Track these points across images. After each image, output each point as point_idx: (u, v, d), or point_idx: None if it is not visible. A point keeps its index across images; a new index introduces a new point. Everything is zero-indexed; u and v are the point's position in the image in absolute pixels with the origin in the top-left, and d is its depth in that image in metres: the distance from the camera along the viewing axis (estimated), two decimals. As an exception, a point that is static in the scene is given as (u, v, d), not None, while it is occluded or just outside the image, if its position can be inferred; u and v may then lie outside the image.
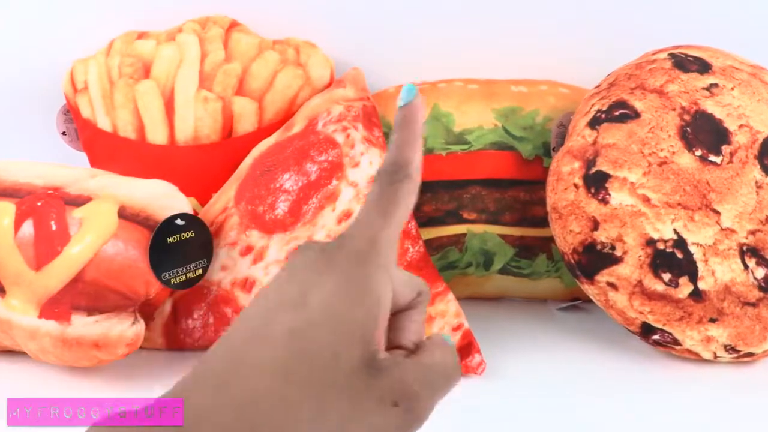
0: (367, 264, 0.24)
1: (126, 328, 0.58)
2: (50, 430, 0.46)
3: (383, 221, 0.25)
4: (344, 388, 0.22)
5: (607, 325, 0.74)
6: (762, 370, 0.65)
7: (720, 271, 0.61)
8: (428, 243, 0.74)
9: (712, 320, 0.61)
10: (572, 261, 0.64)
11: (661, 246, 0.61)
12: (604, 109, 0.65)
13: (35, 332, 0.57)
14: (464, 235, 0.74)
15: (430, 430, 0.52)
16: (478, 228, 0.74)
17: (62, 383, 0.58)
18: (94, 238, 0.58)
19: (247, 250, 0.65)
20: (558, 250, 0.69)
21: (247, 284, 0.64)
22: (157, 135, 0.73)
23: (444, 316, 0.62)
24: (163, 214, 0.60)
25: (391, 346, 0.26)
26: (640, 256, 0.61)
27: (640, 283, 0.61)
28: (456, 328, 0.61)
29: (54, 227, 0.58)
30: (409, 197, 0.27)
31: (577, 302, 0.78)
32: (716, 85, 0.65)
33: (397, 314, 0.27)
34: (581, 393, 0.59)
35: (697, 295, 0.61)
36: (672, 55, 0.68)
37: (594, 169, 0.63)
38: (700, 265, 0.61)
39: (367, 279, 0.23)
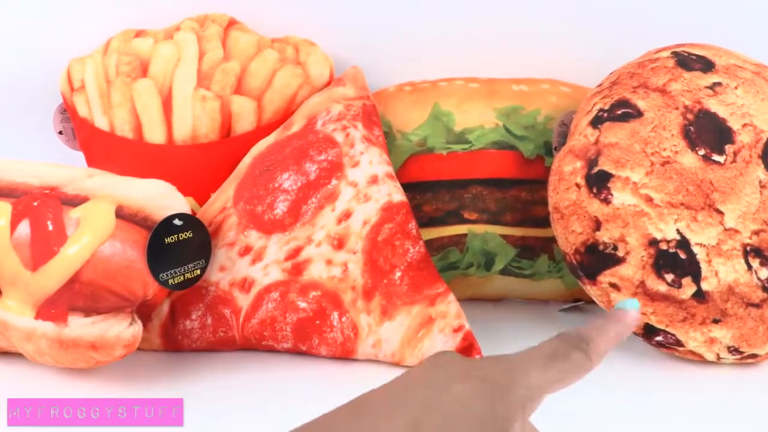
0: (501, 390, 0.24)
1: (123, 329, 0.58)
2: (50, 430, 0.45)
3: (540, 374, 0.26)
4: None
5: (608, 325, 0.74)
6: (766, 372, 0.64)
7: (723, 272, 0.61)
8: (429, 243, 0.74)
9: (716, 321, 0.61)
10: (574, 261, 0.64)
11: (663, 246, 0.61)
12: (607, 108, 0.65)
13: (32, 333, 0.57)
14: (465, 235, 0.74)
15: None
16: (480, 228, 0.74)
17: (61, 384, 0.58)
18: (91, 238, 0.57)
19: (246, 250, 0.65)
20: (560, 251, 0.69)
21: (245, 284, 0.64)
22: (154, 134, 0.73)
23: (445, 318, 0.62)
24: (160, 214, 0.60)
25: None
26: (642, 256, 0.61)
27: (642, 283, 0.61)
28: (457, 330, 0.61)
29: (51, 227, 0.58)
30: (574, 373, 0.27)
31: (579, 303, 0.78)
32: (720, 83, 0.65)
33: None
34: (583, 394, 0.58)
35: (700, 296, 0.61)
36: (675, 54, 0.68)
37: (596, 169, 0.63)
38: (703, 266, 0.61)
39: (493, 399, 0.24)
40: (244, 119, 0.73)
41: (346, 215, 0.64)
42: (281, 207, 0.65)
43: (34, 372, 0.60)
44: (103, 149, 0.75)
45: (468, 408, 0.23)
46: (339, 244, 0.64)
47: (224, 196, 0.68)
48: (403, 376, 0.25)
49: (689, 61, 0.66)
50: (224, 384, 0.60)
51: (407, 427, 0.23)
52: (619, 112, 0.64)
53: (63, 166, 0.64)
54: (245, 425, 0.53)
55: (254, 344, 0.65)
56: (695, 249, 0.61)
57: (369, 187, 0.65)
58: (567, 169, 0.64)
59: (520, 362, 0.26)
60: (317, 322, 0.63)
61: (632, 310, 0.32)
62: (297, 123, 0.70)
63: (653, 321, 0.62)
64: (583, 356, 0.27)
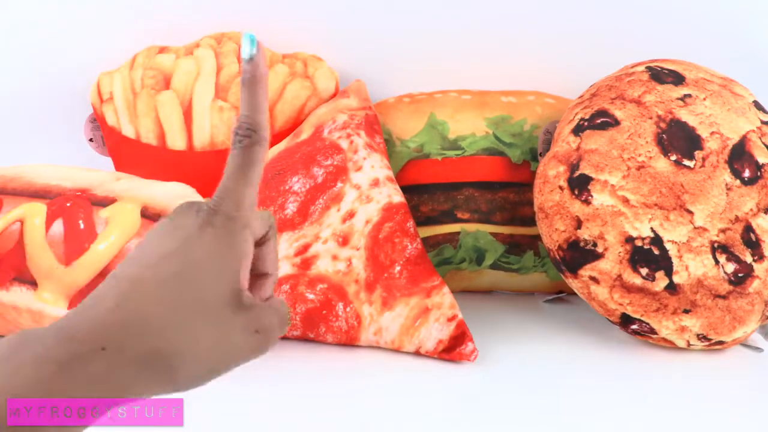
0: (235, 223, 0.27)
1: (148, 318, 0.58)
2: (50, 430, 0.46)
3: (245, 184, 0.28)
4: (216, 316, 0.26)
5: (589, 315, 0.74)
6: (731, 357, 0.65)
7: (693, 266, 0.61)
8: (425, 240, 0.74)
9: (686, 311, 0.61)
10: (557, 257, 0.64)
11: (639, 243, 0.61)
12: (587, 117, 0.65)
13: (65, 322, 0.57)
14: (458, 233, 0.74)
15: (429, 410, 0.52)
16: (471, 227, 0.74)
17: None
18: (118, 235, 0.58)
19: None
20: (544, 247, 0.69)
21: (259, 278, 0.64)
22: (176, 141, 0.73)
23: (440, 308, 0.61)
24: (182, 214, 0.60)
25: (258, 273, 0.30)
26: (619, 252, 0.61)
27: (619, 277, 0.61)
28: (451, 319, 0.61)
29: (82, 226, 0.58)
30: (263, 159, 0.29)
31: (562, 295, 0.78)
32: (689, 95, 0.65)
33: (257, 248, 0.30)
34: (566, 377, 0.59)
35: (672, 288, 0.61)
36: (649, 68, 0.68)
37: (578, 173, 0.63)
38: (674, 261, 0.61)
39: (234, 236, 0.27)
40: (258, 128, 0.73)
41: (350, 215, 0.65)
42: (291, 207, 0.65)
43: None
44: (130, 155, 0.76)
45: (208, 260, 0.26)
46: (344, 241, 0.64)
47: (239, 197, 0.68)
48: (152, 237, 0.28)
49: (662, 75, 0.67)
50: (232, 373, 0.60)
51: (169, 277, 0.26)
52: (599, 121, 0.64)
53: (93, 170, 0.64)
54: (250, 408, 0.53)
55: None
56: (667, 245, 0.61)
57: (371, 190, 0.66)
58: (551, 173, 0.65)
59: (228, 189, 0.28)
60: (324, 312, 0.63)
61: (250, 44, 0.29)
62: (305, 131, 0.70)
63: (629, 311, 0.62)
64: (262, 144, 0.29)
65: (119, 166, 0.77)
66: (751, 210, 0.63)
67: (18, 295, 0.58)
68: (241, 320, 0.27)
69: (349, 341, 0.64)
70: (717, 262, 0.61)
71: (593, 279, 0.62)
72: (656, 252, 0.61)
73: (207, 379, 0.26)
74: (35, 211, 0.59)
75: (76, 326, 0.24)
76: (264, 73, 0.29)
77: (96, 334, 0.24)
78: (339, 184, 0.66)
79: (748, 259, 0.62)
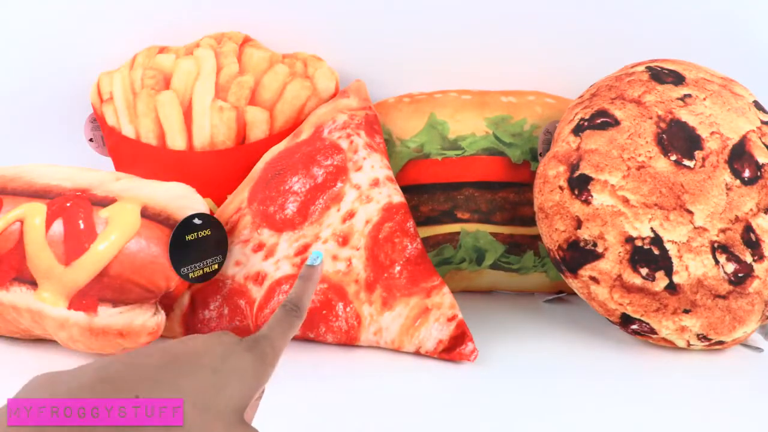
0: (265, 362, 0.32)
1: (148, 318, 0.58)
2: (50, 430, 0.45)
3: (283, 342, 0.34)
4: (229, 418, 0.29)
5: (589, 315, 0.74)
6: (731, 357, 0.64)
7: (693, 266, 0.61)
8: (425, 240, 0.74)
9: (686, 311, 0.61)
10: (557, 257, 0.64)
11: (639, 243, 0.61)
12: (587, 117, 0.65)
13: (65, 322, 0.57)
14: (458, 233, 0.74)
15: (429, 410, 0.52)
16: (471, 227, 0.74)
17: None
18: (118, 235, 0.57)
19: (259, 246, 0.65)
20: (544, 247, 0.69)
21: (259, 278, 0.64)
22: (176, 141, 0.73)
23: (440, 308, 0.61)
24: (182, 214, 0.60)
25: None
26: (619, 252, 0.61)
27: (619, 277, 0.61)
28: (451, 319, 0.61)
29: (82, 226, 0.58)
30: (296, 330, 0.35)
31: (562, 295, 0.78)
32: (689, 95, 0.65)
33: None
34: (566, 377, 0.59)
35: (672, 288, 0.61)
36: (649, 68, 0.68)
37: (577, 173, 0.63)
38: (674, 261, 0.61)
39: (264, 370, 0.32)
40: (258, 128, 0.73)
41: (350, 215, 0.64)
42: (291, 207, 0.65)
43: (34, 372, 0.59)
44: (130, 155, 0.75)
45: (246, 371, 0.31)
46: (343, 241, 0.64)
47: (239, 197, 0.68)
48: (195, 342, 0.32)
49: (662, 75, 0.66)
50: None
51: (208, 370, 0.29)
52: (599, 121, 0.64)
53: (93, 170, 0.64)
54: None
55: (267, 332, 0.65)
56: (667, 245, 0.61)
57: (371, 190, 0.65)
58: (551, 173, 0.64)
59: (269, 335, 0.34)
60: (324, 312, 0.63)
61: (316, 257, 0.38)
62: (306, 131, 0.70)
63: (629, 311, 0.62)
64: (300, 319, 0.36)
65: (119, 166, 0.77)
66: (751, 210, 0.62)
67: (18, 295, 0.58)
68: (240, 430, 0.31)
69: (349, 341, 0.63)
70: (717, 262, 0.61)
71: (593, 279, 0.62)
72: (656, 252, 0.60)
73: None
74: (35, 211, 0.59)
75: (118, 371, 0.27)
76: (317, 278, 0.38)
77: (134, 383, 0.27)
78: (339, 184, 0.65)
79: (748, 259, 0.61)
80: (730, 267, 0.61)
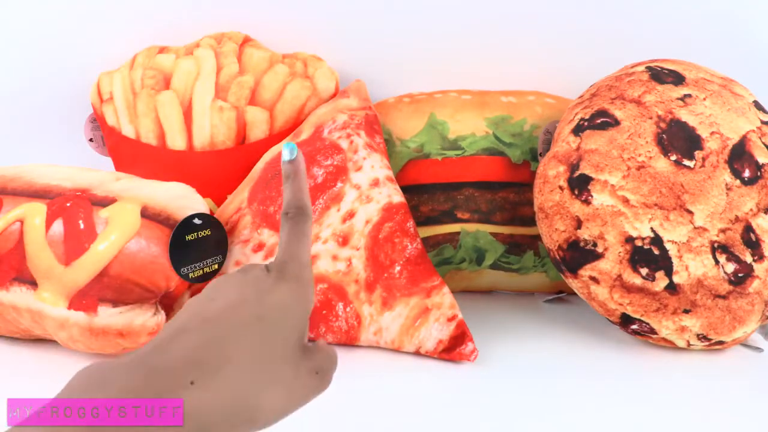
0: (301, 280, 0.31)
1: (148, 318, 0.58)
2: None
3: (303, 250, 0.33)
4: (290, 358, 0.29)
5: (589, 315, 0.74)
6: (731, 357, 0.64)
7: (693, 266, 0.61)
8: (425, 240, 0.74)
9: (686, 311, 0.61)
10: (557, 257, 0.64)
11: (639, 243, 0.61)
12: (587, 117, 0.65)
13: (65, 322, 0.57)
14: (458, 233, 0.74)
15: (429, 410, 0.52)
16: (471, 227, 0.74)
17: (61, 384, 0.56)
18: (118, 236, 0.57)
19: (259, 246, 0.65)
20: (544, 247, 0.69)
21: (259, 278, 0.64)
22: (176, 141, 0.73)
23: (440, 308, 0.61)
24: (182, 214, 0.60)
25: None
26: (619, 252, 0.61)
27: (619, 277, 0.61)
28: (451, 319, 0.61)
29: (82, 226, 0.58)
30: (311, 232, 0.34)
31: (562, 295, 0.78)
32: (689, 95, 0.65)
33: None
34: (566, 377, 0.59)
35: (672, 288, 0.61)
36: (649, 68, 0.68)
37: (578, 173, 0.63)
38: (674, 261, 0.61)
39: (305, 289, 0.31)
40: (258, 128, 0.73)
41: (350, 215, 0.64)
42: (291, 207, 0.65)
43: (34, 372, 0.58)
44: (130, 155, 0.75)
45: (288, 303, 0.30)
46: (344, 241, 0.64)
47: (239, 197, 0.68)
48: (226, 294, 0.31)
49: (662, 75, 0.66)
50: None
51: (252, 320, 0.29)
52: (599, 121, 0.64)
53: (93, 170, 0.64)
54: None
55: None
56: (667, 245, 0.60)
57: (371, 190, 0.65)
58: (551, 173, 0.64)
59: (288, 254, 0.32)
60: (324, 311, 0.63)
61: (290, 151, 0.35)
62: (305, 131, 0.70)
63: (629, 311, 0.62)
64: (309, 219, 0.34)
65: (119, 166, 0.77)
66: (751, 210, 0.62)
67: (18, 295, 0.58)
68: (306, 363, 0.30)
69: (349, 341, 0.63)
70: (717, 262, 0.61)
71: (593, 279, 0.62)
72: (656, 252, 0.60)
73: (280, 419, 0.29)
74: (35, 211, 0.59)
75: (164, 361, 0.26)
76: (302, 169, 0.35)
77: (184, 369, 0.26)
78: (339, 184, 0.65)
79: (748, 259, 0.61)
80: (730, 267, 0.61)
